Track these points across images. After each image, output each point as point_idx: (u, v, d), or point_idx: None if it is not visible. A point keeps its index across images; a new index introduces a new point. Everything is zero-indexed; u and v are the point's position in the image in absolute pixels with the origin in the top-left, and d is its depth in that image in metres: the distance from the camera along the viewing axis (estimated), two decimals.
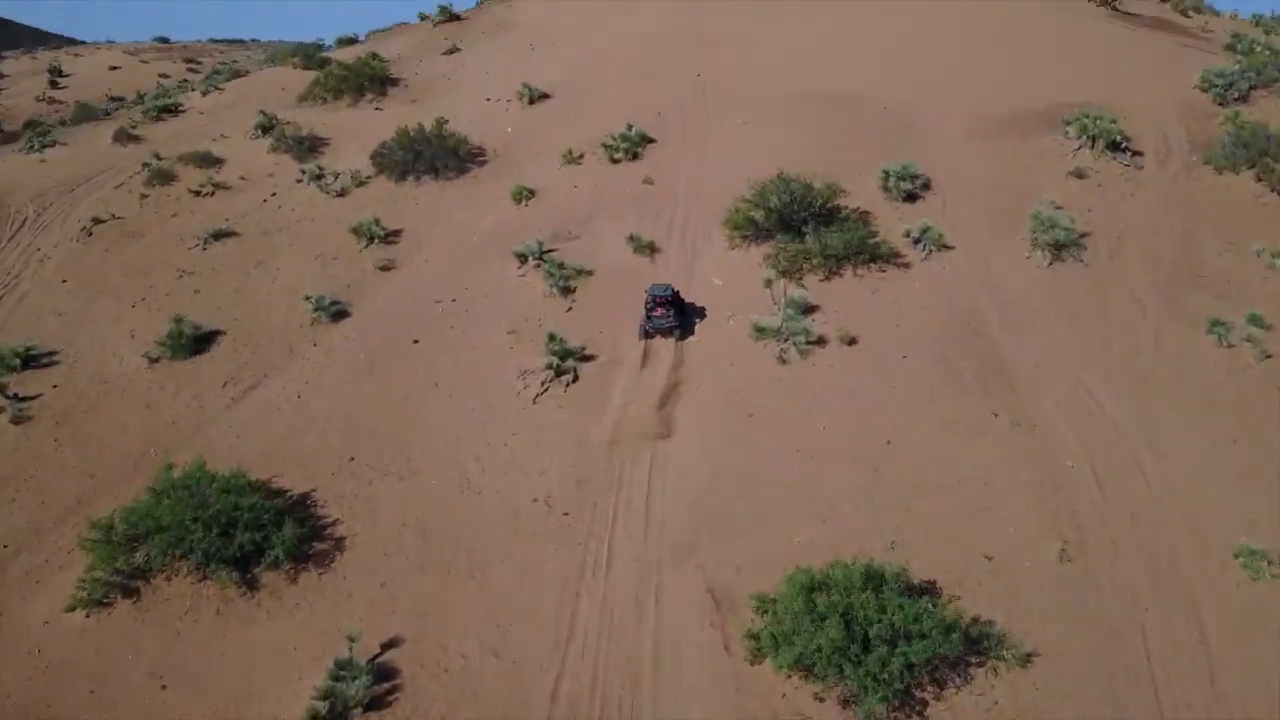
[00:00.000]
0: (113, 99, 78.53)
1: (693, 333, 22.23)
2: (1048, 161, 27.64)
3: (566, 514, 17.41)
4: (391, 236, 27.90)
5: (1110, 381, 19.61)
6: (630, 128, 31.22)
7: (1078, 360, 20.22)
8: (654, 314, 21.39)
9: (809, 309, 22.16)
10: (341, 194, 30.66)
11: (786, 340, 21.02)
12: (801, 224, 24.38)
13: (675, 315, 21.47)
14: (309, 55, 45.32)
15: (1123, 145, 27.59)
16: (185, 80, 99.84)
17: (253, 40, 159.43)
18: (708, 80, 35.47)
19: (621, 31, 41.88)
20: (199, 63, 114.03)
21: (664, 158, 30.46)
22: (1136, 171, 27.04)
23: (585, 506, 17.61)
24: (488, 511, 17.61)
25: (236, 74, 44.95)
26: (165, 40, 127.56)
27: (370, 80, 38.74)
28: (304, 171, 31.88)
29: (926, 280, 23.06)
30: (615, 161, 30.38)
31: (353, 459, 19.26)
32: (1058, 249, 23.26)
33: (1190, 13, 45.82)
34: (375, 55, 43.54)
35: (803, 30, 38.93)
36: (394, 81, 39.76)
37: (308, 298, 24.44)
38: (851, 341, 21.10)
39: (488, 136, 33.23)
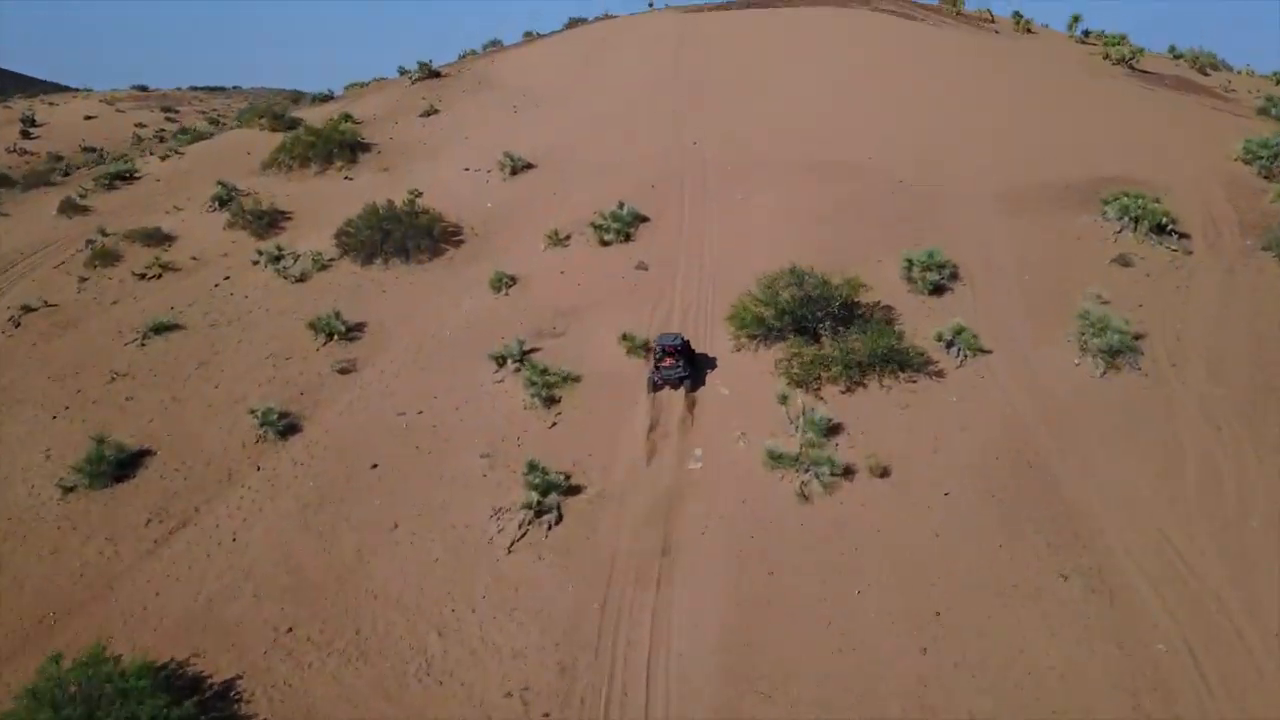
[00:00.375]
0: (86, 149, 75.89)
1: (703, 382, 20.95)
2: (1088, 245, 24.82)
3: (547, 716, 14.10)
4: (354, 331, 24.81)
5: (1192, 527, 16.50)
6: (622, 205, 28.36)
7: (1151, 499, 17.13)
8: (662, 364, 20.40)
9: (831, 428, 19.07)
10: (301, 279, 27.64)
11: (808, 470, 17.91)
12: (818, 325, 21.37)
13: (685, 365, 20.45)
14: (277, 116, 42.54)
15: (1168, 228, 24.78)
16: (161, 129, 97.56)
17: (234, 88, 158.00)
18: (704, 147, 32.79)
19: (610, 90, 39.29)
20: (176, 111, 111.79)
21: (659, 238, 27.58)
22: (1186, 258, 24.23)
23: (571, 702, 14.30)
24: (451, 711, 14.28)
25: (199, 136, 41.91)
26: (143, 88, 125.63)
27: (340, 146, 35.89)
28: (261, 252, 28.89)
29: (964, 392, 20.02)
30: (605, 243, 27.48)
31: (291, 630, 15.94)
32: (1112, 355, 20.28)
33: (1208, 70, 43.58)
34: (347, 116, 40.88)
35: (804, 90, 36.33)
36: (366, 147, 36.91)
37: (253, 411, 21.23)
38: (884, 473, 17.98)
39: (465, 212, 30.37)
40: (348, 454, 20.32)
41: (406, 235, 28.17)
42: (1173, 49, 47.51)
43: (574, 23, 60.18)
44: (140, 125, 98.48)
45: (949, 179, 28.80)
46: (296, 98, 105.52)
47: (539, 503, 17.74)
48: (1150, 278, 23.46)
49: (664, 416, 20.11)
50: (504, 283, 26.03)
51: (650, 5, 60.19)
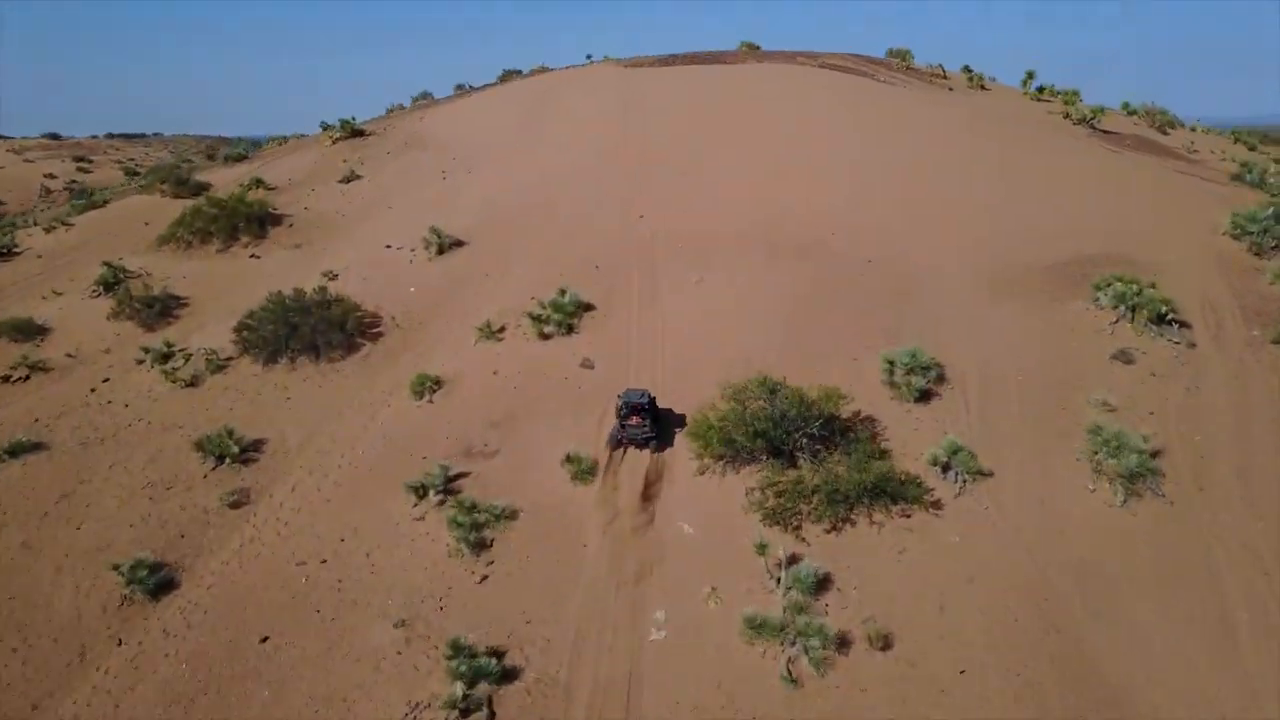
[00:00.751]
0: None
1: (671, 444, 19.78)
2: (1083, 338, 22.33)
3: None
4: (250, 451, 21.16)
5: (1257, 707, 13.69)
6: (564, 292, 25.23)
7: (1203, 673, 14.31)
8: (628, 423, 19.36)
9: (819, 581, 15.97)
10: (192, 383, 23.94)
11: (795, 644, 14.77)
12: (795, 448, 18.34)
13: (651, 425, 19.37)
14: (181, 181, 38.70)
15: (1168, 317, 22.42)
16: (73, 180, 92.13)
17: (155, 135, 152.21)
18: (652, 220, 29.86)
19: (548, 155, 36.25)
20: (90, 161, 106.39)
21: (606, 330, 24.46)
22: (1189, 351, 21.85)
23: None
24: None
25: (93, 204, 37.85)
26: (55, 136, 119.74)
27: (247, 220, 32.20)
28: (147, 350, 25.18)
29: (967, 530, 17.12)
30: (545, 336, 24.27)
31: None
32: (1131, 480, 17.58)
33: (1166, 129, 42.21)
34: (259, 182, 37.30)
35: (758, 157, 33.71)
36: (277, 219, 33.30)
37: (117, 567, 17.44)
38: (885, 644, 14.92)
39: (386, 298, 26.94)
40: (233, 620, 16.63)
41: (316, 329, 24.62)
42: (1126, 105, 46.28)
43: (508, 75, 57.38)
44: (50, 176, 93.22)
45: (921, 258, 26.24)
46: (214, 150, 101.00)
47: (465, 697, 14.28)
48: (1156, 378, 20.95)
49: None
50: (428, 386, 22.61)
51: (588, 58, 57.65)
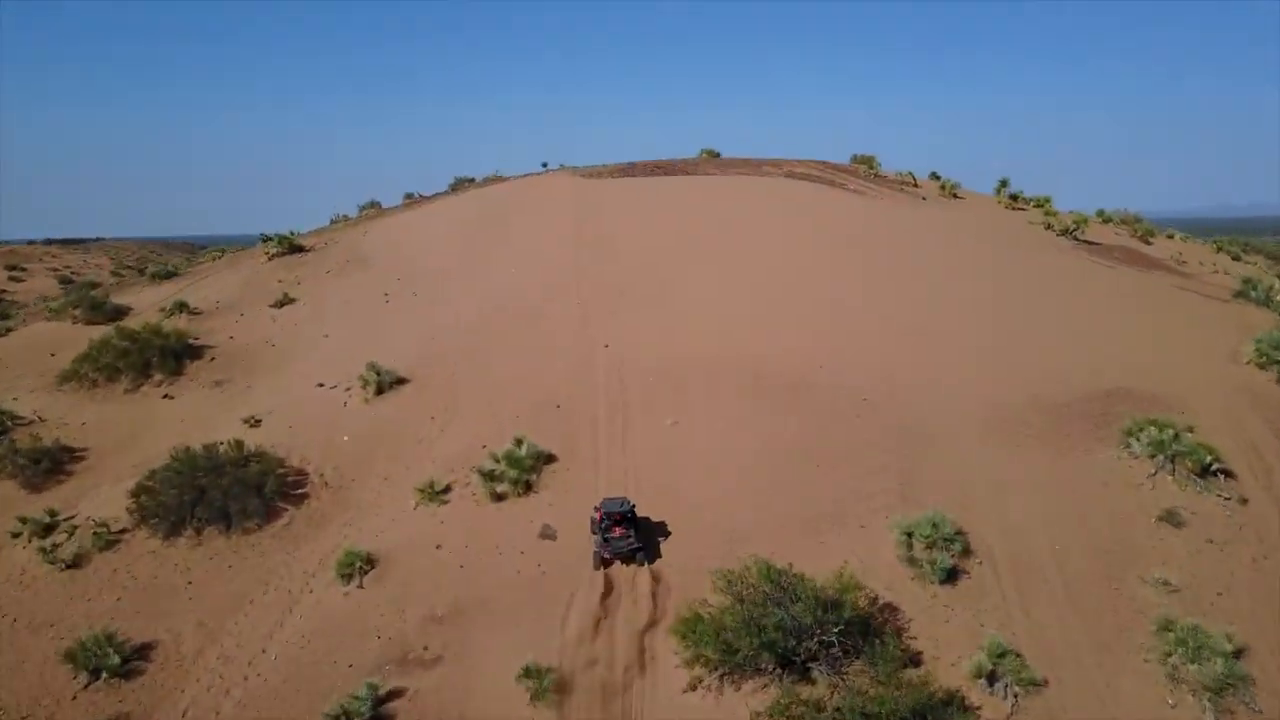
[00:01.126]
0: None
1: (660, 554, 18.39)
2: (1120, 495, 19.43)
3: None
4: (135, 660, 17.33)
5: None
6: (520, 442, 21.89)
7: None
8: (611, 535, 18.08)
9: None
10: (74, 564, 20.12)
11: None
12: (809, 657, 14.94)
13: (637, 535, 18.17)
14: (96, 305, 35.00)
15: (1212, 467, 19.63)
16: (2, 290, 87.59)
17: (97, 240, 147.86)
18: (619, 350, 26.81)
19: (503, 274, 33.32)
20: (23, 269, 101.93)
21: (570, 487, 21.09)
22: (1243, 508, 19.10)
23: None
24: None
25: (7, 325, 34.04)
26: None
27: (162, 354, 28.55)
28: (25, 520, 21.35)
29: None
30: (498, 497, 20.84)
31: None
32: (1218, 692, 14.36)
33: (1149, 238, 40.58)
34: (183, 306, 33.80)
35: (732, 280, 31.05)
36: (197, 352, 29.72)
37: None
38: None
39: (315, 449, 23.38)
40: None
41: (229, 493, 20.93)
42: (1101, 213, 44.85)
43: (460, 184, 54.86)
44: None
45: (921, 397, 23.41)
46: (145, 263, 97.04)
47: None
48: (1215, 545, 18.02)
49: None
50: (358, 567, 18.96)
51: (544, 166, 55.46)
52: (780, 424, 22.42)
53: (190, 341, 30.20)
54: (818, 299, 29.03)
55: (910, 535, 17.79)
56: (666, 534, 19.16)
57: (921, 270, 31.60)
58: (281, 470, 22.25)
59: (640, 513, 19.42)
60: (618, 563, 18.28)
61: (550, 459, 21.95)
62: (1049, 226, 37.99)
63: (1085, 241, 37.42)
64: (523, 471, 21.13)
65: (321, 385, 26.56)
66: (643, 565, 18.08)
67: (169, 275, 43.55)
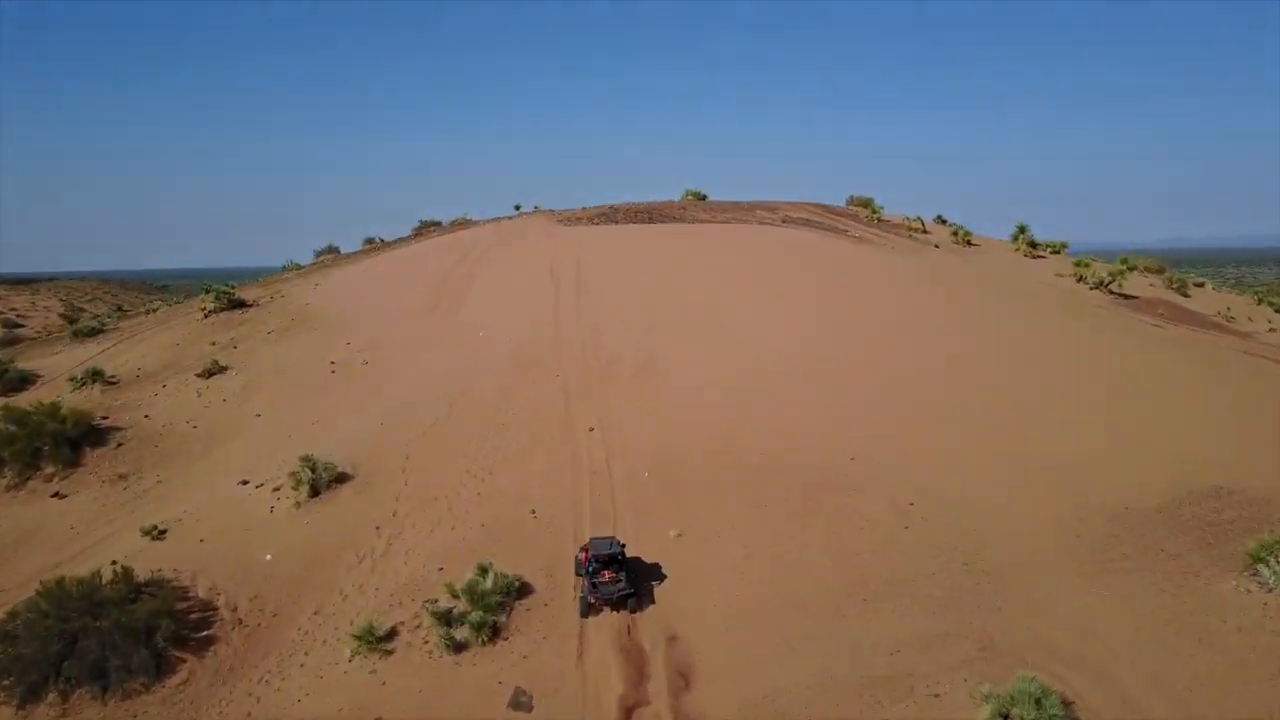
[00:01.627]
0: None
1: (653, 600, 16.61)
2: (1260, 646, 15.05)
3: None
4: None
5: None
6: (485, 571, 17.37)
7: None
8: (600, 579, 16.37)
9: None
10: None
11: None
12: None
13: (627, 579, 16.43)
14: None
15: None
16: None
17: (49, 279, 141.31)
18: (606, 435, 22.41)
19: (469, 343, 28.80)
20: None
21: (550, 630, 16.57)
22: None
23: None
24: None
25: None
26: None
27: (55, 442, 23.79)
28: None
29: None
30: (457, 646, 16.30)
31: None
32: None
33: (1187, 290, 36.86)
34: (97, 374, 29.15)
35: (736, 345, 26.78)
36: (101, 436, 25.01)
37: None
38: None
39: (230, 572, 18.73)
40: None
41: (109, 642, 16.24)
42: (1125, 260, 41.16)
43: (425, 228, 50.58)
44: None
45: (977, 504, 19.19)
46: (77, 314, 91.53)
47: None
48: None
49: None
50: None
51: (517, 208, 51.31)
52: (808, 540, 18.07)
53: (95, 423, 25.45)
54: (838, 373, 24.81)
55: (1006, 716, 13.33)
56: (661, 576, 17.00)
57: (954, 339, 27.46)
58: (183, 604, 17.60)
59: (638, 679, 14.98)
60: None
61: (524, 589, 17.42)
62: (1081, 279, 34.15)
63: (1121, 295, 33.61)
64: (488, 611, 16.56)
65: (245, 483, 21.91)
66: (634, 613, 16.48)
67: (93, 333, 38.73)
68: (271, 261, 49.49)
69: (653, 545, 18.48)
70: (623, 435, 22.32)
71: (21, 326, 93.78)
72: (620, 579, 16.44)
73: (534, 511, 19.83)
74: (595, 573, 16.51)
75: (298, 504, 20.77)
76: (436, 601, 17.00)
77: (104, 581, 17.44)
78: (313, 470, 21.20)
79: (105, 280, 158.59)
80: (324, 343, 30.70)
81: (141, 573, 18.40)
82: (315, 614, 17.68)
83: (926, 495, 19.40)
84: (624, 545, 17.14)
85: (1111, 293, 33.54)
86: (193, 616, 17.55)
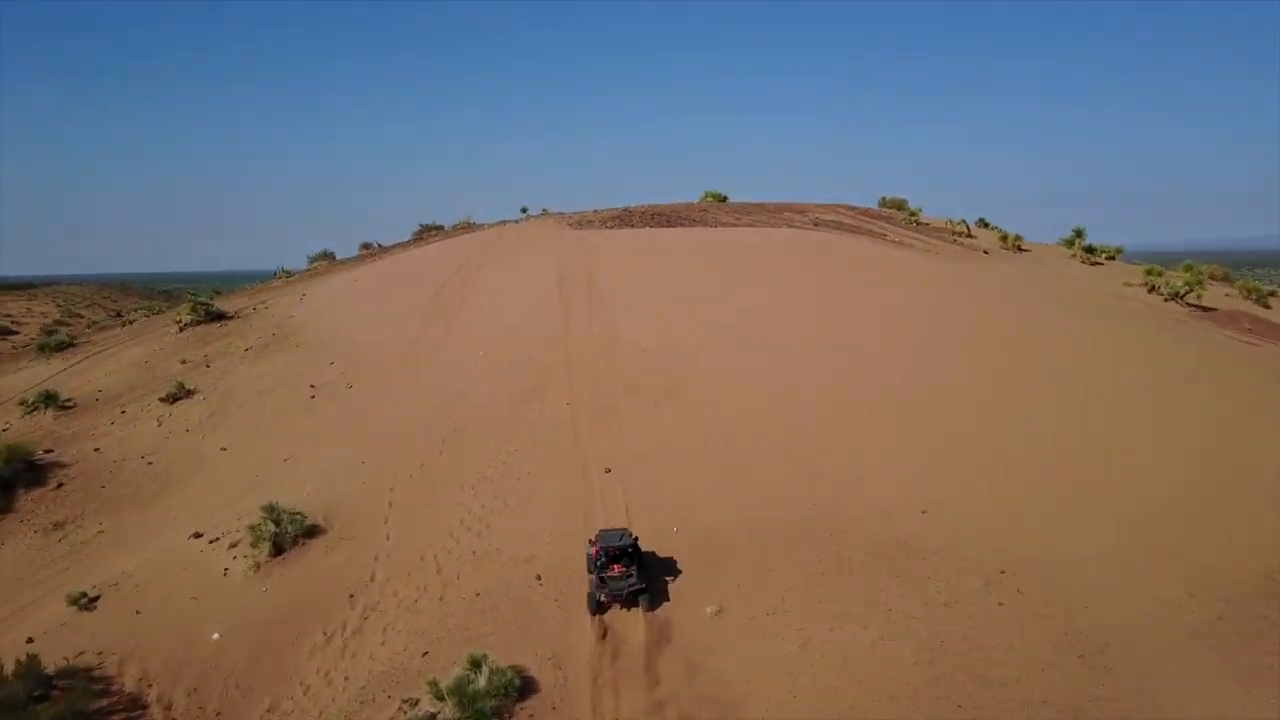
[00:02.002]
0: None
1: (668, 597, 15.15)
2: None
3: None
4: None
5: None
6: (477, 665, 13.83)
7: None
8: (609, 574, 15.22)
9: None
10: None
11: None
12: None
13: (639, 573, 15.22)
14: None
15: None
16: None
17: (48, 283, 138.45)
18: (625, 480, 18.96)
19: (466, 365, 25.32)
20: None
21: None
22: None
23: None
24: None
25: None
26: None
27: None
28: None
29: None
30: None
31: None
32: None
33: (1267, 301, 33.16)
34: (50, 398, 25.92)
35: (776, 376, 23.21)
36: (42, 475, 21.62)
37: None
38: None
39: (165, 655, 15.38)
40: None
41: None
42: (1189, 267, 37.48)
43: (425, 232, 47.20)
44: None
45: (1075, 567, 15.73)
46: (116, 297, 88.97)
47: None
48: None
49: None
50: None
51: (524, 211, 47.92)
52: (880, 622, 14.51)
53: (36, 458, 22.08)
54: (901, 410, 21.19)
55: None
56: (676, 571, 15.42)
57: (1030, 362, 23.82)
58: (102, 702, 14.12)
59: None
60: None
61: (526, 686, 13.88)
62: (1153, 289, 30.51)
63: (1199, 307, 29.98)
64: (480, 718, 13.03)
65: (198, 536, 18.49)
66: (647, 611, 15.17)
67: (61, 346, 35.43)
68: (271, 268, 46.15)
69: (686, 624, 14.97)
70: (645, 479, 18.84)
71: (16, 333, 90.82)
72: (631, 573, 15.27)
73: (539, 577, 16.35)
74: (604, 568, 15.41)
75: (257, 565, 17.31)
76: (417, 703, 13.54)
77: (3, 674, 14.01)
78: (276, 523, 17.75)
79: (106, 285, 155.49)
80: (305, 363, 27.27)
81: (59, 656, 15.04)
82: (269, 712, 14.22)
83: (1019, 560, 15.84)
84: (636, 538, 15.93)
85: (1189, 305, 29.92)
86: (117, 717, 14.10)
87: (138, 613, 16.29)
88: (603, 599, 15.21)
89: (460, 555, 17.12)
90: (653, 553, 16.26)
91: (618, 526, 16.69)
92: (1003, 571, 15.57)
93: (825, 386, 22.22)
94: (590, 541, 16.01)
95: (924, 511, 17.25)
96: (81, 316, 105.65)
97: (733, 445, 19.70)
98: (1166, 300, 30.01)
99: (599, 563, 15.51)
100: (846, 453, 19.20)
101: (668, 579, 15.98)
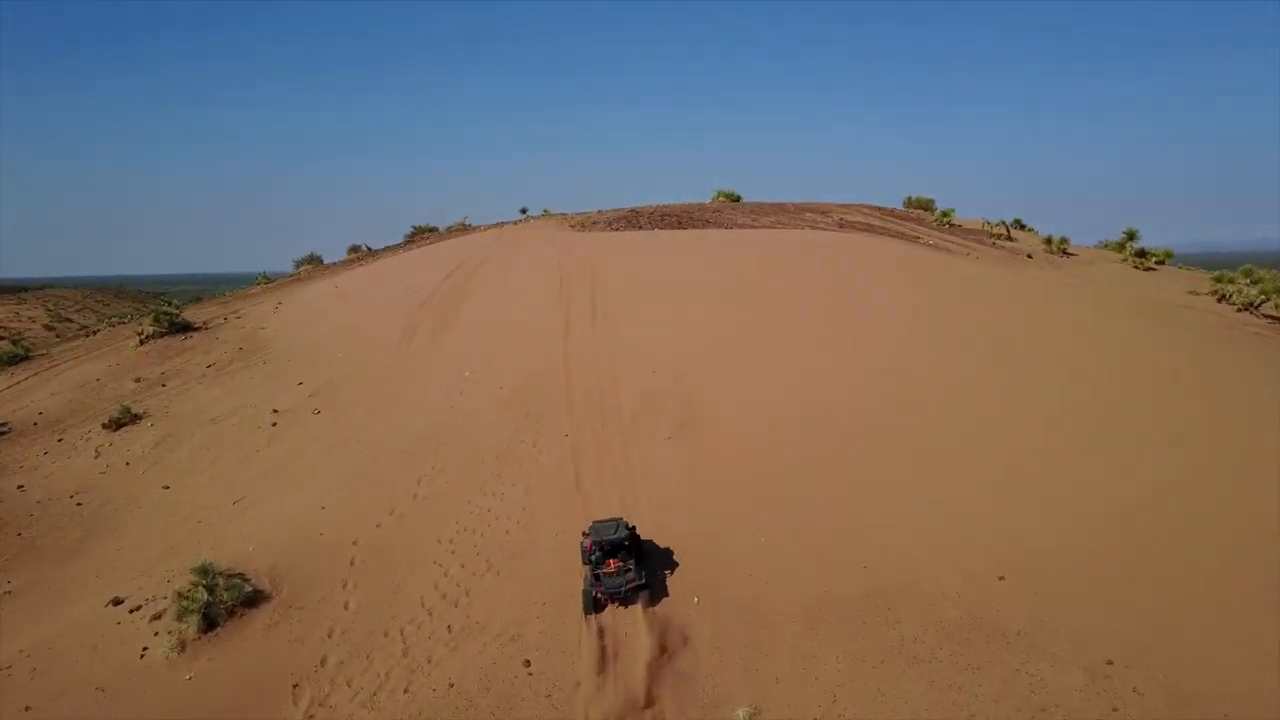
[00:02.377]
0: None
1: (667, 593, 13.61)
2: None
3: None
4: None
5: None
6: None
7: None
8: (604, 571, 13.92)
9: None
10: None
11: None
12: None
13: (637, 567, 13.87)
14: None
15: None
16: None
17: (41, 286, 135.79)
18: (636, 528, 15.62)
19: (453, 386, 22.13)
20: None
21: None
22: None
23: None
24: None
25: None
26: None
27: None
28: None
29: None
30: None
31: None
32: None
33: None
34: None
35: (823, 398, 19.96)
36: None
37: None
38: None
39: None
40: None
41: None
42: (1250, 271, 34.23)
43: (418, 233, 44.09)
44: None
45: (1201, 662, 12.34)
46: (108, 301, 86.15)
47: None
48: None
49: None
50: None
51: (523, 212, 44.77)
52: None
53: None
54: (967, 446, 17.93)
55: None
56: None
57: (1122, 392, 20.51)
58: None
59: None
60: None
61: None
62: (1221, 298, 27.27)
63: (1271, 318, 26.74)
64: None
65: (119, 602, 15.33)
66: (647, 608, 13.61)
67: (15, 360, 32.32)
68: (282, 268, 43.22)
69: None
70: (657, 529, 15.64)
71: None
72: (629, 568, 13.93)
73: (528, 663, 13.16)
74: (599, 562, 14.11)
75: (182, 644, 14.11)
76: None
77: None
78: (210, 590, 14.57)
79: (99, 288, 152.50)
80: (270, 382, 24.12)
81: None
82: None
83: (1128, 647, 12.61)
84: (634, 527, 14.67)
85: (1266, 316, 26.66)
86: None
87: (27, 709, 13.11)
88: (599, 596, 13.92)
89: (433, 631, 13.96)
90: (651, 541, 14.90)
91: (612, 518, 15.01)
92: (1109, 662, 12.34)
93: (869, 421, 18.97)
94: (584, 534, 14.68)
95: (1001, 578, 14.04)
96: (71, 321, 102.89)
97: (759, 489, 16.49)
98: (1239, 310, 26.76)
99: (594, 557, 14.22)
100: (898, 501, 15.96)
101: (690, 666, 12.78)
